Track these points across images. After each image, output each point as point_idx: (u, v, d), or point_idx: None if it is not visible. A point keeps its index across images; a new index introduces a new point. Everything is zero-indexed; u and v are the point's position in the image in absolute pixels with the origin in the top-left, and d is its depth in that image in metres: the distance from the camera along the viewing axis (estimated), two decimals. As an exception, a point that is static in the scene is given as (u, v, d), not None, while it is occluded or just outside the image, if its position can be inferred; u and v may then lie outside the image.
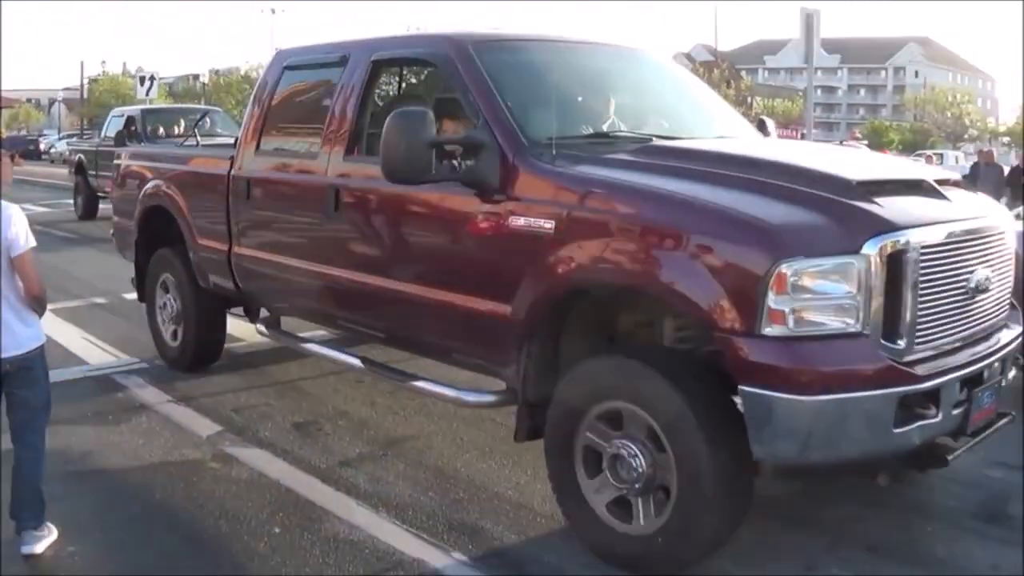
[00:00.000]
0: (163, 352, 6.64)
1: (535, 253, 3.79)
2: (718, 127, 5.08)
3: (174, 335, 6.48)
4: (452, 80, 4.46)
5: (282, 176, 5.46)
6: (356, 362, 5.13)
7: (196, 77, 66.31)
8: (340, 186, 4.84)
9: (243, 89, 49.83)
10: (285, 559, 3.71)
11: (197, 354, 6.40)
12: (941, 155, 46.86)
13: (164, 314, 6.56)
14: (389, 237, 4.69)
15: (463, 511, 4.15)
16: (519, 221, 3.87)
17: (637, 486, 3.50)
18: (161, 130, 15.49)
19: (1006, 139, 67.94)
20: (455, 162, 4.11)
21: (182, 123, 15.83)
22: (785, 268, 3.12)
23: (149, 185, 6.66)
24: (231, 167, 5.80)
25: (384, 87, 5.56)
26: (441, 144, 4.08)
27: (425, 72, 5.43)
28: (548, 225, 3.75)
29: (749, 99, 55.83)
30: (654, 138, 4.41)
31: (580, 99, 4.74)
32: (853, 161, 4.31)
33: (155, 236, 6.65)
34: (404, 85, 5.66)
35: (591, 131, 4.48)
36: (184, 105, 30.30)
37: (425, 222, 4.47)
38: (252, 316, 6.38)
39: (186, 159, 6.71)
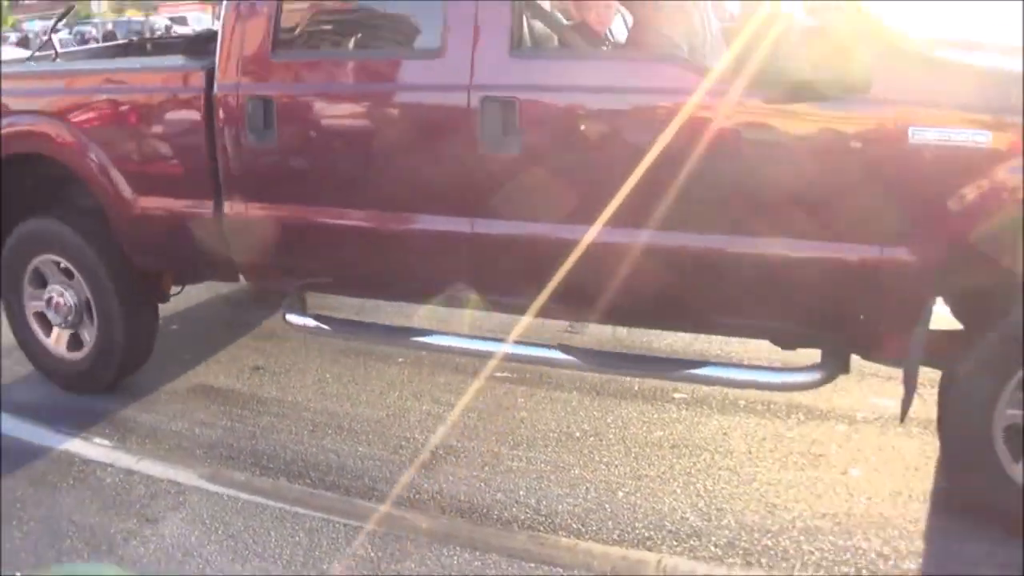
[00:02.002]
0: (51, 369, 4.85)
1: (962, 175, 2.98)
2: None
3: (73, 343, 4.74)
4: None
5: (356, 89, 3.86)
6: (552, 354, 3.92)
7: None
8: (520, 100, 3.48)
9: None
10: None
11: (125, 362, 4.69)
12: None
13: (50, 315, 4.72)
14: (659, 173, 3.29)
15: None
16: (927, 135, 2.98)
17: None
18: None
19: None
20: None
21: None
22: None
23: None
24: (210, 81, 4.05)
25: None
26: None
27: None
28: (982, 138, 2.94)
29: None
30: None
31: None
32: None
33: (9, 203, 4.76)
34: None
35: None
36: None
37: (748, 146, 3.28)
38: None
39: (89, 77, 4.62)
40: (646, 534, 3.46)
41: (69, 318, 4.66)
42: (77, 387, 4.76)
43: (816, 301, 3.33)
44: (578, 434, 4.22)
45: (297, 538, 3.51)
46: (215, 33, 4.46)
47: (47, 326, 4.78)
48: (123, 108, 4.31)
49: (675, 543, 3.40)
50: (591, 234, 3.47)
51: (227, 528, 3.59)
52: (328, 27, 4.11)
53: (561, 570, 3.28)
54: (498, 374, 4.82)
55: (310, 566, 3.35)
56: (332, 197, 3.93)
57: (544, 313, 3.84)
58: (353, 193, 3.88)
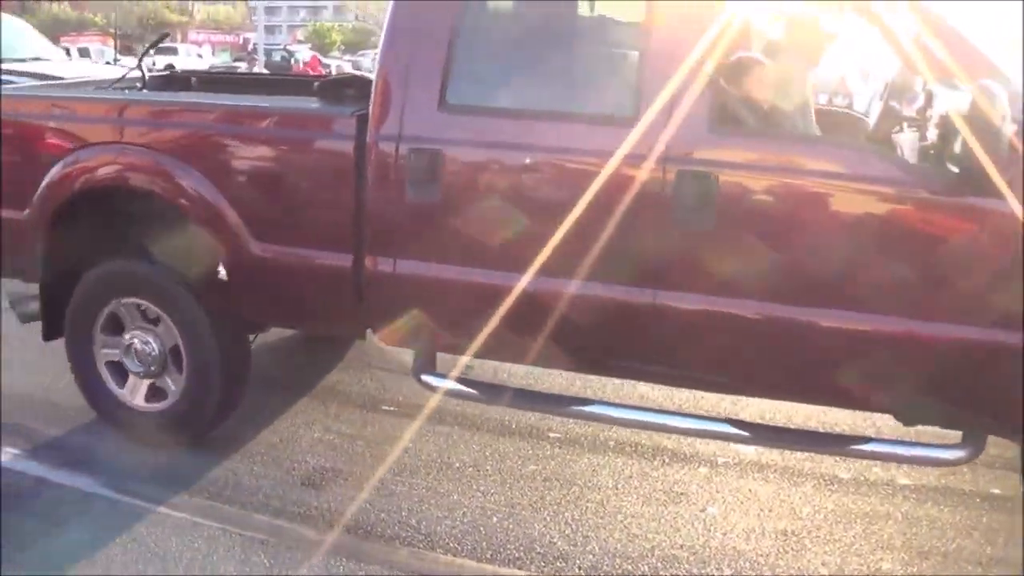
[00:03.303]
0: (123, 422, 4.68)
1: None
2: None
3: (152, 394, 4.61)
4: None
5: (535, 149, 3.73)
6: (720, 428, 4.07)
7: None
8: (712, 175, 3.51)
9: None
10: None
11: (221, 412, 4.61)
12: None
13: (129, 363, 4.57)
14: (841, 254, 3.49)
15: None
16: None
17: None
18: None
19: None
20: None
21: None
22: None
23: (79, 156, 4.33)
24: (361, 130, 3.89)
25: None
26: None
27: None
28: None
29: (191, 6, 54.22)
30: None
31: None
32: None
33: (77, 241, 4.51)
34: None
35: None
36: None
37: (914, 233, 3.42)
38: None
39: (209, 113, 4.34)
40: (516, 555, 3.89)
41: (152, 367, 4.53)
42: (158, 438, 4.58)
43: (958, 381, 3.48)
44: (457, 464, 4.65)
45: (196, 545, 3.86)
46: (354, 78, 4.50)
47: (121, 376, 4.64)
48: (255, 149, 4.16)
49: (543, 564, 3.84)
50: (781, 311, 3.56)
51: (130, 532, 3.92)
52: (506, 80, 3.94)
53: (439, 583, 3.71)
54: (384, 407, 5.24)
55: (208, 569, 3.71)
56: (500, 259, 3.78)
57: (704, 387, 4.09)
58: (524, 257, 3.69)
